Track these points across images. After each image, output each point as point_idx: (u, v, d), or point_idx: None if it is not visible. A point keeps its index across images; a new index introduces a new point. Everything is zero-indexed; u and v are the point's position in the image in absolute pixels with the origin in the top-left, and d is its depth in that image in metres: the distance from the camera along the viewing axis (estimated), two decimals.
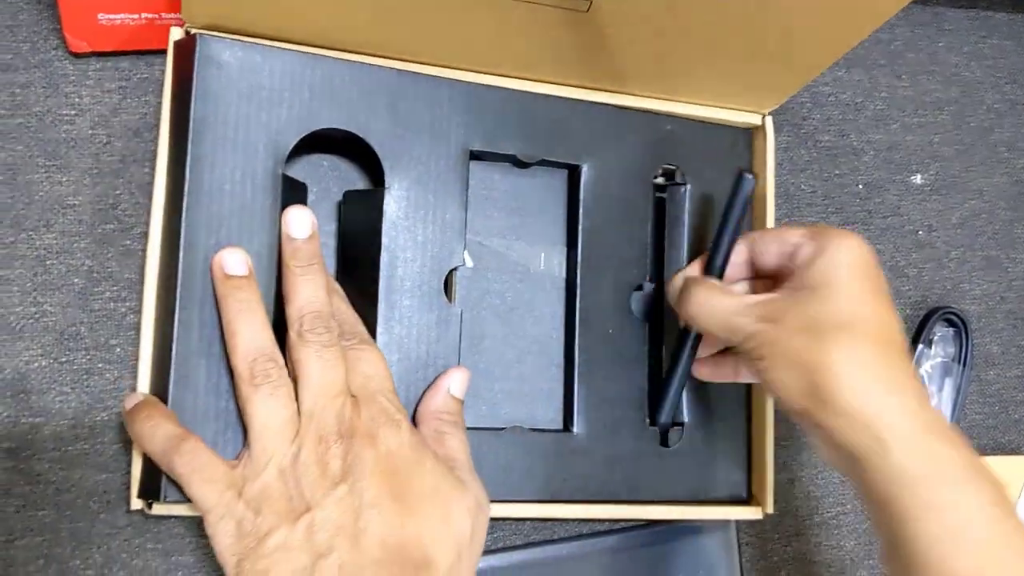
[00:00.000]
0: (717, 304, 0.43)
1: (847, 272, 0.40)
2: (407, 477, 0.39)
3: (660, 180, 0.52)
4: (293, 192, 0.46)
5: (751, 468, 0.52)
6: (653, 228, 0.51)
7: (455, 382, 0.45)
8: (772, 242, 0.45)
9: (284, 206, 0.43)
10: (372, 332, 0.44)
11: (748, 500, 0.52)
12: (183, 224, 0.41)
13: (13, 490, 0.44)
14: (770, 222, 0.53)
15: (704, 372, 0.49)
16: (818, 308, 0.40)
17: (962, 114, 0.65)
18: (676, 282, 0.47)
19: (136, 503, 0.42)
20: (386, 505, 0.38)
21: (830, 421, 0.39)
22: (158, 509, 0.42)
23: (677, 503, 0.50)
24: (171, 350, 0.40)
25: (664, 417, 0.49)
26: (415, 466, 0.40)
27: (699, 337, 0.47)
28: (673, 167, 0.52)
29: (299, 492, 0.38)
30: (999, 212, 0.65)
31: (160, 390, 0.41)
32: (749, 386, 0.53)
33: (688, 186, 0.52)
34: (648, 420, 0.50)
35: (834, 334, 0.39)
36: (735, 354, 0.48)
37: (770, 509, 0.51)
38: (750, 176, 0.45)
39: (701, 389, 0.51)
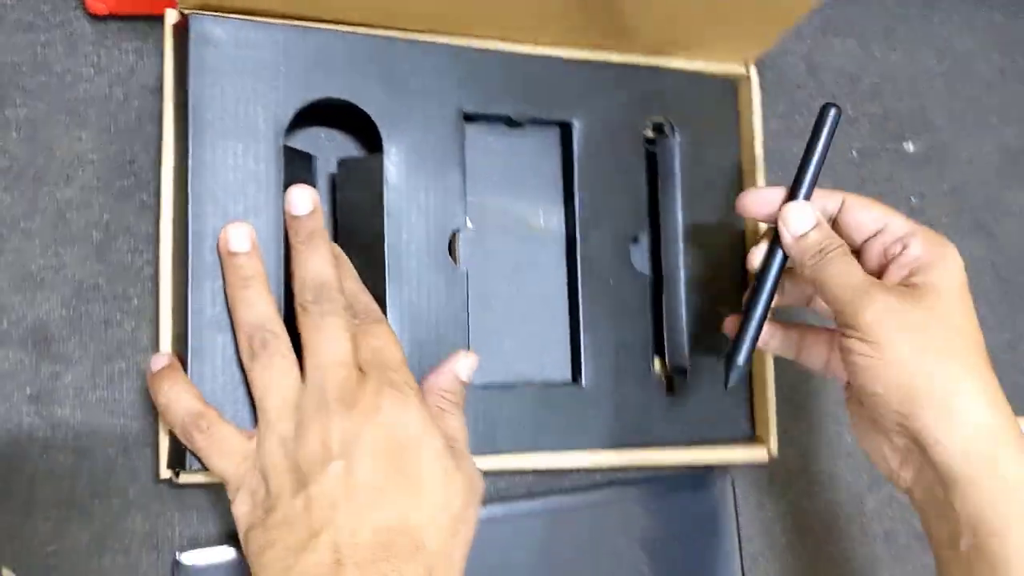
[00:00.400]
0: (851, 273, 0.41)
1: (961, 288, 0.41)
2: (406, 456, 0.39)
3: (650, 134, 0.54)
4: (299, 163, 0.47)
5: (754, 411, 0.54)
6: (647, 181, 0.53)
7: (463, 366, 0.45)
8: (870, 220, 0.44)
9: (291, 177, 0.45)
10: (381, 298, 0.46)
11: (753, 441, 0.54)
12: (190, 200, 0.43)
13: (35, 434, 0.46)
14: (760, 173, 0.55)
15: (773, 343, 0.48)
16: (939, 316, 0.40)
17: (954, 84, 0.67)
18: (796, 215, 0.43)
19: (164, 473, 0.44)
20: (381, 484, 0.38)
21: (942, 433, 0.39)
22: (185, 478, 0.44)
23: (685, 446, 0.52)
24: (187, 324, 0.42)
25: (743, 358, 0.45)
26: (415, 444, 0.39)
27: (778, 278, 0.45)
28: (662, 120, 0.53)
29: (298, 465, 0.38)
30: (989, 180, 0.66)
31: (181, 361, 0.43)
32: None
33: (678, 137, 0.53)
34: (651, 370, 0.52)
35: (954, 346, 0.39)
36: (815, 331, 0.47)
37: (775, 450, 0.53)
38: (834, 108, 0.44)
39: (702, 335, 0.53)
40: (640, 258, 0.53)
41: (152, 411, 0.47)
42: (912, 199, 0.64)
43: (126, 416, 0.47)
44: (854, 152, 0.63)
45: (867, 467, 0.61)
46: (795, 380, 0.60)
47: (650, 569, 0.54)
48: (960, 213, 0.65)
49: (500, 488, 0.53)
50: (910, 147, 0.65)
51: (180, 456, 0.42)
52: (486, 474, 0.52)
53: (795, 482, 0.59)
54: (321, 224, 0.43)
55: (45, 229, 0.47)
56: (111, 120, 0.48)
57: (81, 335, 0.47)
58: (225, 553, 0.47)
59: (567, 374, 0.52)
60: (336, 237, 0.49)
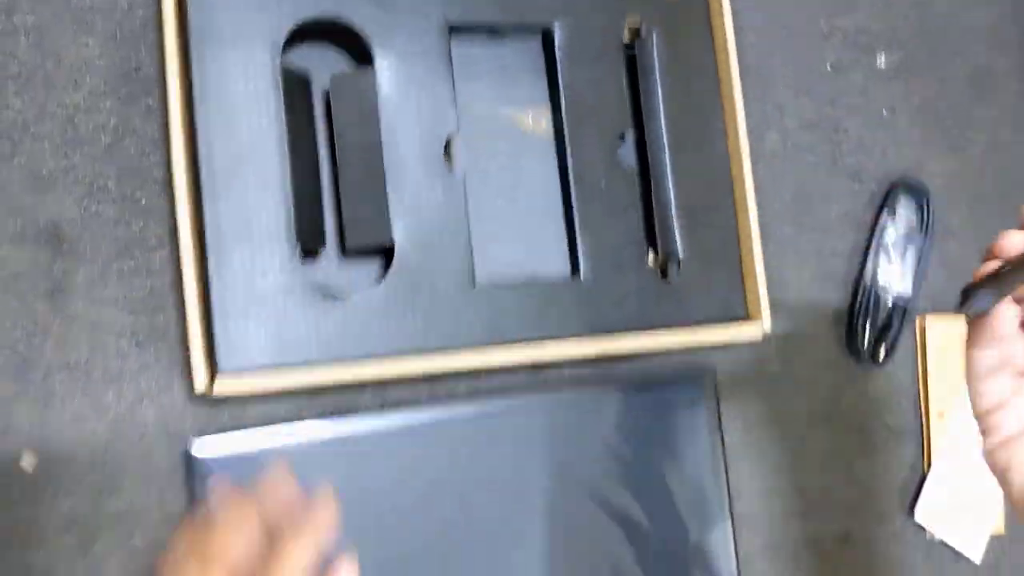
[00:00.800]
0: None
1: None
2: None
3: (627, 38, 0.56)
4: (296, 83, 0.50)
5: (746, 292, 0.57)
6: (628, 82, 0.56)
7: None
8: None
9: (289, 96, 0.47)
10: (383, 206, 0.49)
11: (747, 320, 0.56)
12: (198, 126, 0.46)
13: (51, 329, 0.48)
14: (734, 65, 0.57)
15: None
16: None
17: (925, 3, 0.69)
18: None
19: (200, 386, 0.46)
20: None
21: None
22: (219, 388, 0.46)
23: (683, 327, 0.55)
24: (205, 240, 0.46)
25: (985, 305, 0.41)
26: None
27: None
28: (639, 24, 0.56)
29: None
30: (958, 96, 0.69)
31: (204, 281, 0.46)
32: (736, 215, 0.57)
33: (655, 38, 0.56)
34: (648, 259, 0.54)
35: None
36: None
37: (768, 328, 0.56)
38: None
39: (692, 224, 0.56)
40: (627, 155, 0.56)
41: (167, 306, 0.50)
42: (884, 112, 0.67)
43: (136, 311, 0.49)
44: (828, 66, 0.66)
45: (844, 371, 0.64)
46: (774, 293, 0.62)
47: (636, 461, 0.56)
48: (930, 127, 0.68)
49: (495, 384, 0.56)
50: (882, 62, 0.67)
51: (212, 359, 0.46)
52: (493, 371, 0.55)
53: (776, 386, 0.62)
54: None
55: (55, 132, 0.49)
56: (116, 27, 0.50)
57: (92, 234, 0.49)
58: (233, 440, 0.49)
59: (566, 270, 0.55)
60: (334, 150, 0.51)
